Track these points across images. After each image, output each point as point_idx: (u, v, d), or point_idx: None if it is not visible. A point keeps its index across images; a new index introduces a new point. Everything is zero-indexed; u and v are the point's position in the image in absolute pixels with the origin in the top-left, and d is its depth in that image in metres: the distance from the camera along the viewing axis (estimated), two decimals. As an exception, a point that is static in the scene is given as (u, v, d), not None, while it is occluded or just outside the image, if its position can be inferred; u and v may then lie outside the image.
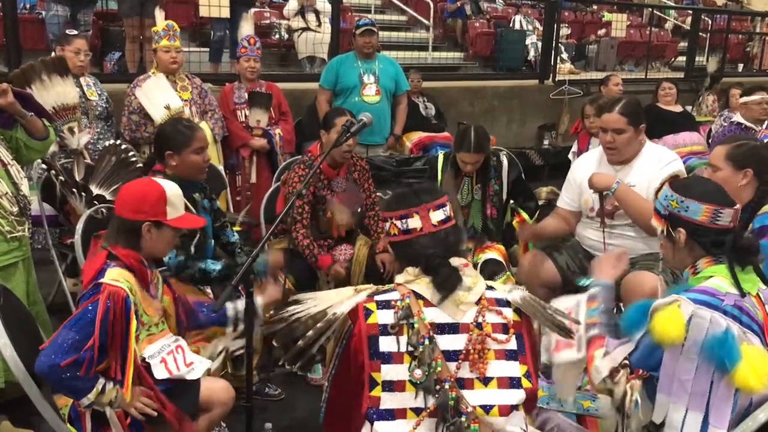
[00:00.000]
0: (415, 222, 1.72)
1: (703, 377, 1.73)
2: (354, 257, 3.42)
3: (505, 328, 1.69)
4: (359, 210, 3.56)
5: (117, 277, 2.00)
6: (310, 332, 1.67)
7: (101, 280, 1.98)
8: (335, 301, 1.70)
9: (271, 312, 1.83)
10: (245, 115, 4.57)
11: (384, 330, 1.65)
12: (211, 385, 2.26)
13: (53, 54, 4.00)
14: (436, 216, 1.73)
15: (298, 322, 1.68)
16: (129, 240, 2.08)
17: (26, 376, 1.94)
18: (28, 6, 6.32)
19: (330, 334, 1.68)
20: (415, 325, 1.64)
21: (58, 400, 2.12)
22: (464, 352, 1.65)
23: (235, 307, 2.36)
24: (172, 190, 2.15)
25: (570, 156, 5.24)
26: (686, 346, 1.73)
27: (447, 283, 1.67)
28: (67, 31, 4.41)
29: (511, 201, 3.64)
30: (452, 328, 1.66)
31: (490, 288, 1.74)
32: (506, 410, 1.65)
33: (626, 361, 1.88)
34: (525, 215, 3.64)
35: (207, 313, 2.38)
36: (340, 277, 3.29)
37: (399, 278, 1.74)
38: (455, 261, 1.72)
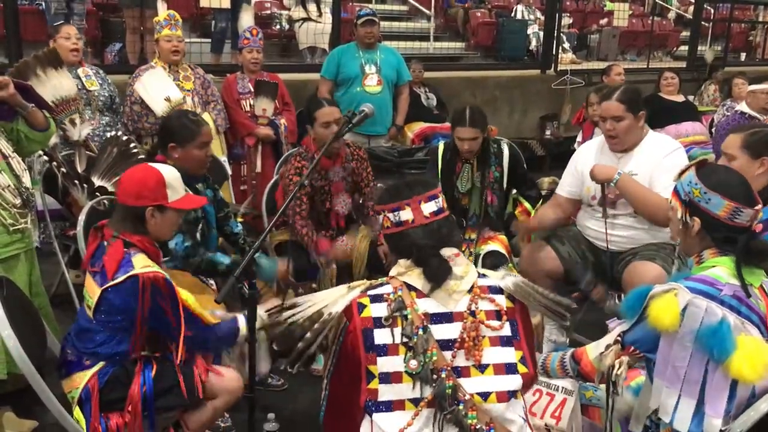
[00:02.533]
0: (406, 214, 1.74)
1: (697, 366, 1.74)
2: (355, 249, 3.42)
3: (498, 315, 1.71)
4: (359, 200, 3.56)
5: (145, 263, 2.08)
6: (308, 334, 1.69)
7: (133, 272, 2.03)
8: (329, 301, 1.72)
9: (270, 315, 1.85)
10: (250, 105, 4.56)
11: (378, 323, 1.66)
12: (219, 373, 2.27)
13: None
14: (428, 208, 1.75)
15: (295, 325, 1.70)
16: (135, 226, 2.15)
17: (30, 368, 1.95)
18: (28, -3, 6.29)
19: (327, 333, 1.70)
20: (409, 316, 1.66)
21: (68, 384, 2.16)
22: (459, 340, 1.67)
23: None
24: (169, 173, 2.21)
25: (575, 146, 5.23)
26: (681, 334, 1.74)
27: (437, 274, 1.69)
28: (54, 23, 4.40)
29: (513, 191, 3.63)
30: (446, 318, 1.68)
31: (482, 276, 1.76)
32: (504, 397, 1.67)
33: (618, 338, 1.90)
34: (527, 205, 3.63)
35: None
36: (339, 257, 3.29)
37: (392, 271, 1.77)
38: (447, 251, 1.73)
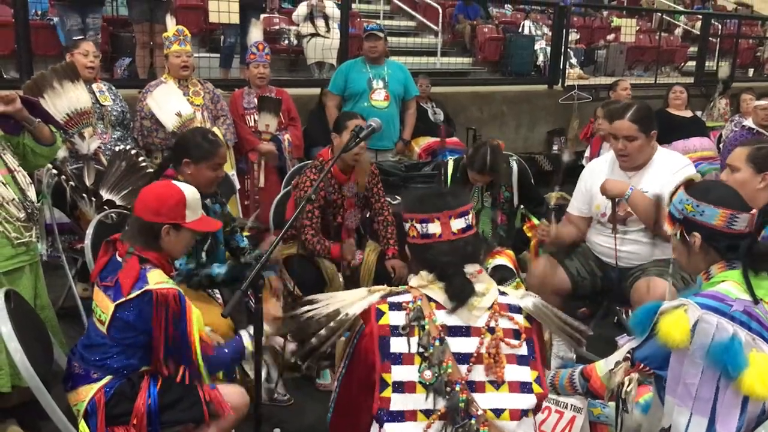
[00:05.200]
0: (435, 227, 1.72)
1: (709, 382, 1.73)
2: (363, 263, 3.42)
3: (516, 334, 1.70)
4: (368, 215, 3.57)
5: (160, 279, 2.09)
6: (323, 331, 1.68)
7: (148, 287, 2.05)
8: (348, 302, 1.72)
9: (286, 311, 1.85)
10: (254, 120, 4.57)
11: (395, 331, 1.65)
12: (225, 390, 2.25)
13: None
14: (457, 224, 1.72)
15: (311, 320, 1.70)
16: (148, 241, 2.17)
17: (36, 381, 1.95)
18: (39, 12, 6.36)
19: (342, 333, 1.70)
20: (426, 327, 1.65)
21: (73, 397, 2.16)
22: (476, 355, 1.65)
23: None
24: (191, 193, 2.23)
25: (583, 162, 5.22)
26: (692, 351, 1.72)
27: (460, 294, 1.67)
28: (74, 38, 4.44)
29: (522, 206, 3.63)
30: (463, 331, 1.67)
31: (502, 293, 1.75)
32: (516, 415, 1.65)
33: (628, 355, 1.89)
34: (535, 220, 3.62)
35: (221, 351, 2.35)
36: (353, 253, 3.32)
37: (412, 282, 1.75)
38: (470, 268, 1.72)
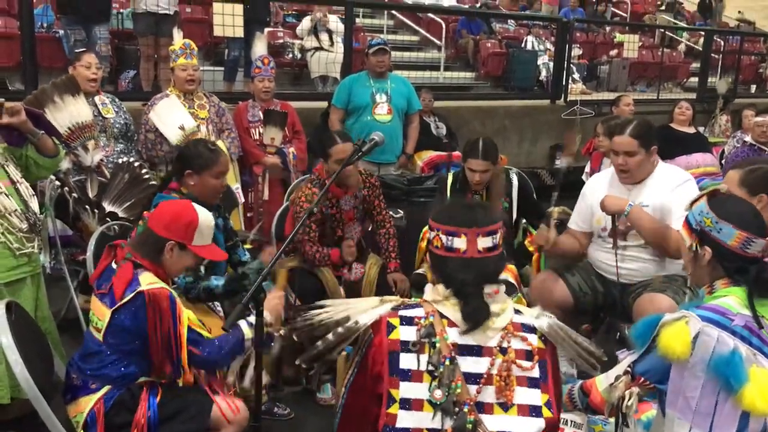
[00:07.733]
0: (460, 243, 1.66)
1: (709, 396, 1.72)
2: (365, 276, 3.41)
3: (529, 355, 1.66)
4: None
5: (152, 280, 2.11)
6: (331, 336, 1.67)
7: (140, 289, 2.06)
8: (359, 309, 1.70)
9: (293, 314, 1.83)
10: (259, 133, 4.59)
11: (405, 346, 1.63)
12: (225, 403, 2.25)
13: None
14: (484, 243, 1.67)
15: (320, 324, 1.69)
16: (150, 253, 2.19)
17: (36, 393, 1.95)
18: (45, 25, 6.41)
19: (349, 342, 1.68)
20: (437, 345, 1.62)
21: (73, 409, 2.16)
22: (486, 375, 1.62)
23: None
24: (205, 220, 2.27)
25: (584, 177, 5.23)
26: (692, 363, 1.71)
27: (475, 316, 1.63)
28: (76, 50, 4.47)
29: (523, 220, 3.62)
30: (475, 351, 1.64)
31: (517, 312, 1.71)
32: None
33: (628, 368, 1.88)
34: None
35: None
36: (353, 254, 3.34)
37: (427, 295, 1.72)
38: (488, 288, 1.66)
